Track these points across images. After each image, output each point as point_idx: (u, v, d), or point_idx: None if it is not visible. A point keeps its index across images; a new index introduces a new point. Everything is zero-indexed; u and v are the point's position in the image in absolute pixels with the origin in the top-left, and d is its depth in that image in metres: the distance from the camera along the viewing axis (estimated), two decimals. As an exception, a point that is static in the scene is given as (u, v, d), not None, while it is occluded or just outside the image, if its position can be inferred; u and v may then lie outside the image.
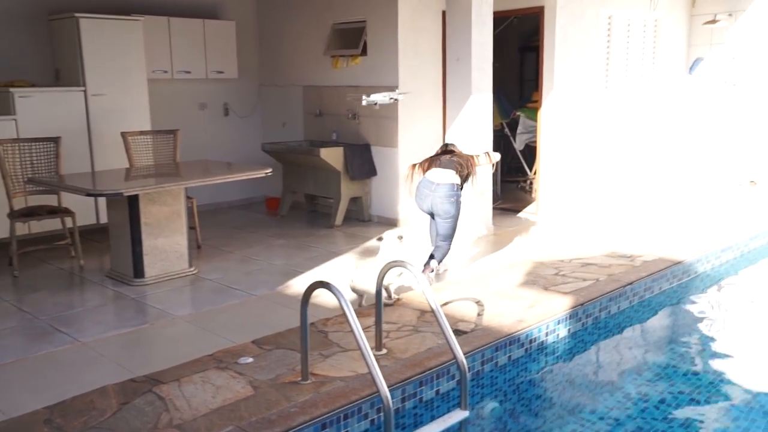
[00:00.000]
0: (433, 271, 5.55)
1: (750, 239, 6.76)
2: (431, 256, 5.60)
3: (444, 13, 7.14)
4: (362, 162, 7.51)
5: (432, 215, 5.63)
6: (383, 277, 3.87)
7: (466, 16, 6.52)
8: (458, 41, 6.64)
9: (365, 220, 7.70)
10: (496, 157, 6.05)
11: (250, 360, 3.84)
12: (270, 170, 6.19)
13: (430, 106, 7.56)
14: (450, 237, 5.61)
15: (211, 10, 8.38)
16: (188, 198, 6.17)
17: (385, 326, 4.23)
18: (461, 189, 5.58)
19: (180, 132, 7.04)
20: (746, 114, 9.40)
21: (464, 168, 5.56)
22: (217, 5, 8.46)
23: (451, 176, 5.47)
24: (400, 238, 5.13)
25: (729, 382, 4.20)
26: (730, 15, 9.32)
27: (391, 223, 7.48)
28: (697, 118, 9.83)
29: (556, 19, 7.48)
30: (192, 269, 5.85)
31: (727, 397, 4.02)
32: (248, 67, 8.78)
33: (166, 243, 5.68)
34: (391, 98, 6.72)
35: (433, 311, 3.51)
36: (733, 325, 5.32)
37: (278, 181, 8.09)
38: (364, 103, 6.62)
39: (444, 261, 5.71)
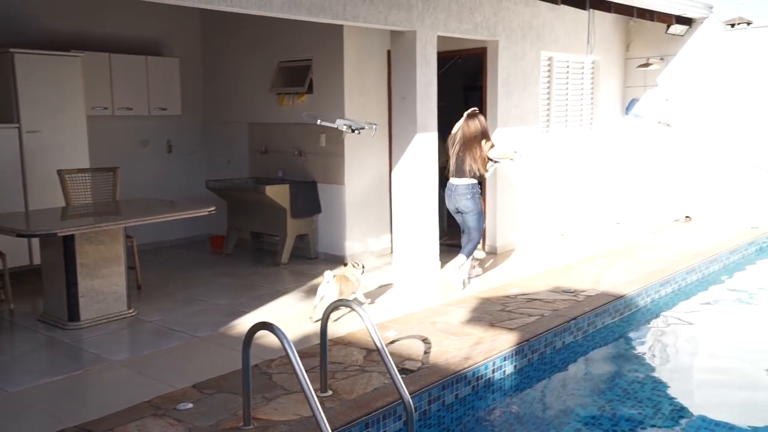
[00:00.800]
0: (463, 265, 6.41)
1: (686, 273, 6.97)
2: (464, 254, 6.46)
3: (389, 53, 7.24)
4: (308, 199, 7.47)
5: (458, 213, 6.61)
6: (327, 317, 3.81)
7: (410, 56, 6.62)
8: (403, 80, 6.73)
9: (312, 257, 7.62)
10: (506, 153, 6.75)
11: (190, 406, 3.70)
12: (214, 208, 6.07)
13: (376, 143, 7.60)
14: (478, 228, 6.56)
15: (153, 46, 8.30)
16: (128, 237, 5.99)
17: (331, 366, 4.15)
18: (478, 183, 6.57)
19: (120, 169, 6.86)
20: (680, 152, 9.80)
21: (475, 164, 6.46)
22: (161, 42, 8.39)
23: (465, 180, 6.47)
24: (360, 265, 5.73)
25: (671, 413, 4.25)
26: (661, 59, 9.76)
27: (338, 260, 7.42)
28: (634, 157, 10.19)
29: (498, 59, 7.68)
30: (131, 311, 5.64)
31: (670, 427, 4.07)
32: (192, 104, 8.69)
33: (103, 284, 5.47)
34: (352, 127, 6.62)
35: (378, 350, 3.47)
36: (672, 357, 5.42)
37: (223, 219, 7.95)
38: (318, 122, 6.60)
39: (475, 253, 6.70)
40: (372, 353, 4.49)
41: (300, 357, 3.10)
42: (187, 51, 8.66)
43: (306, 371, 3.05)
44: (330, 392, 3.85)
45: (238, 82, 8.42)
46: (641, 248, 8.03)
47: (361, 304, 5.06)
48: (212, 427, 3.45)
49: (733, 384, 4.72)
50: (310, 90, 7.56)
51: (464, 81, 10.98)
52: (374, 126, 6.74)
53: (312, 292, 6.26)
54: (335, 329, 5.04)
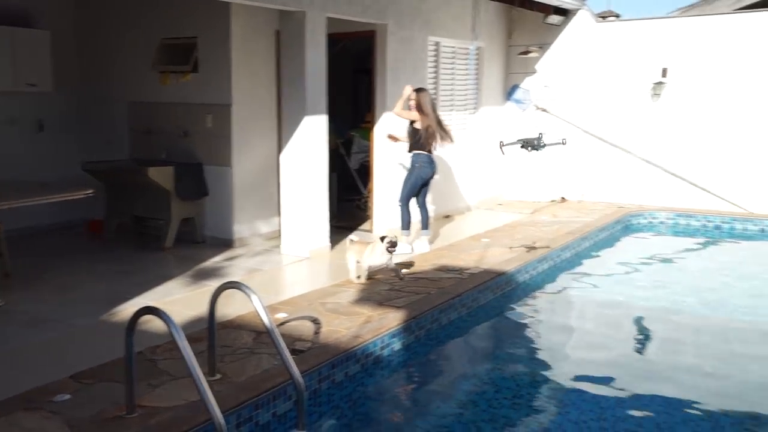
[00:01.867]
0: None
1: (561, 251, 7.41)
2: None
3: (278, 33, 7.14)
4: (193, 181, 7.26)
5: (426, 184, 7.24)
6: (216, 299, 3.75)
7: (299, 38, 6.57)
8: (293, 62, 6.67)
9: (198, 241, 7.43)
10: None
11: (67, 397, 3.53)
12: (91, 191, 5.77)
13: (265, 125, 7.49)
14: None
15: (21, 17, 7.69)
16: (-5, 222, 5.57)
17: (220, 350, 4.09)
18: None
19: (-16, 149, 6.35)
20: (557, 137, 10.35)
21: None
22: (29, 13, 7.78)
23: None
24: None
25: (547, 381, 4.54)
26: (540, 47, 10.25)
27: (226, 243, 7.28)
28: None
29: (387, 43, 7.77)
30: (-1, 301, 5.27)
31: (546, 396, 4.34)
32: (66, 80, 8.15)
33: (-34, 273, 5.07)
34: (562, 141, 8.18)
35: (268, 332, 3.46)
36: (548, 329, 5.77)
37: (102, 202, 7.56)
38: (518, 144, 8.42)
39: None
40: (262, 335, 4.47)
41: (187, 341, 3.04)
42: (60, 23, 8.09)
43: (194, 356, 2.99)
44: (219, 376, 3.80)
45: (117, 57, 7.99)
46: (521, 227, 8.44)
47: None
48: (93, 417, 3.31)
49: (601, 353, 5.10)
50: (195, 69, 7.31)
51: (354, 64, 11.02)
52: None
53: (199, 276, 6.12)
54: (224, 312, 4.97)
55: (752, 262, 7.91)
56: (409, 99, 7.03)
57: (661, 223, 9.38)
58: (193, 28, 7.27)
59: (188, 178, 7.20)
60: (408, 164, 7.23)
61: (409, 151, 7.17)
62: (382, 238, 5.94)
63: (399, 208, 7.28)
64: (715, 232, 9.00)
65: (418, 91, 7.04)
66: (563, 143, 9.50)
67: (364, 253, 5.97)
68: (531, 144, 9.39)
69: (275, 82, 7.44)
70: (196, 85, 7.28)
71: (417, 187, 7.22)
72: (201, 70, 7.27)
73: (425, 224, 7.35)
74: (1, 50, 7.33)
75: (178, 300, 5.42)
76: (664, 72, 9.46)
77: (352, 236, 6.27)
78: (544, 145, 9.48)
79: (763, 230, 8.79)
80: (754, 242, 8.60)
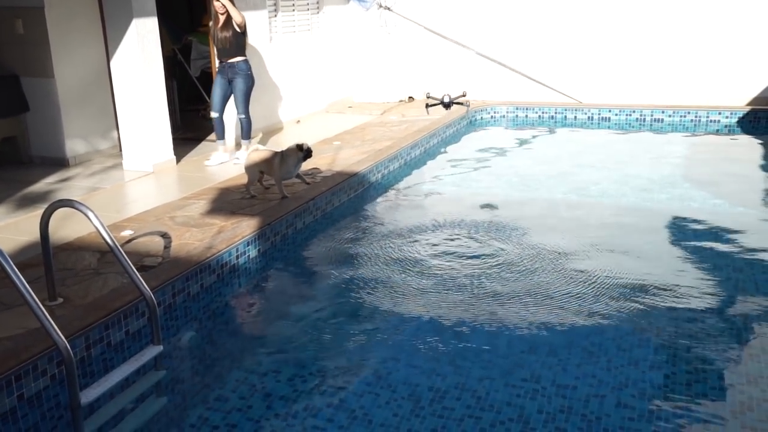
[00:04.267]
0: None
1: (411, 149, 7.59)
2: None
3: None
4: (8, 96, 6.50)
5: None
6: (47, 220, 3.47)
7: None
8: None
9: (25, 161, 6.77)
10: None
11: None
12: None
13: (88, 29, 6.79)
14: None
15: None
16: None
17: (61, 273, 3.85)
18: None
19: None
20: (401, 37, 10.36)
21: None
22: None
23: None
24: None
25: (401, 275, 4.73)
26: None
27: (59, 162, 6.70)
28: (360, 42, 10.54)
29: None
30: None
31: (401, 293, 4.53)
32: None
33: None
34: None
35: (111, 250, 3.27)
36: (402, 226, 5.96)
37: None
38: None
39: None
40: (107, 255, 4.24)
41: (21, 268, 2.81)
42: None
43: (29, 282, 2.77)
44: (60, 300, 3.57)
45: None
46: (371, 128, 8.50)
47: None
48: None
49: (453, 245, 5.36)
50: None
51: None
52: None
53: (29, 199, 5.63)
54: (63, 234, 4.64)
55: (581, 146, 8.56)
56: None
57: (502, 116, 9.84)
58: None
59: (2, 92, 6.44)
60: (243, 71, 6.81)
61: (242, 56, 6.83)
62: (299, 147, 5.53)
63: (243, 120, 6.99)
64: (550, 121, 9.60)
65: None
66: (467, 105, 9.64)
67: (273, 164, 5.50)
68: (446, 104, 9.62)
69: (94, -20, 6.71)
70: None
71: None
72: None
73: (249, 133, 7.07)
74: None
75: (6, 226, 4.97)
76: (500, -33, 9.63)
77: (257, 145, 5.89)
78: (451, 103, 9.66)
79: (590, 117, 9.50)
80: (585, 130, 9.30)
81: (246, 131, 6.99)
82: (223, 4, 6.59)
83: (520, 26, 9.85)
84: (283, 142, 7.82)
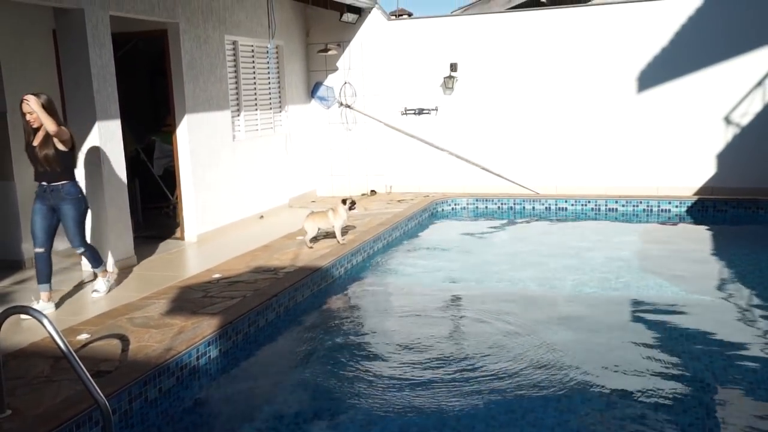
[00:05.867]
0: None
1: (373, 242, 7.67)
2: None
3: (55, 33, 6.56)
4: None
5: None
6: (0, 326, 3.37)
7: (80, 37, 6.09)
8: (75, 64, 6.17)
9: (-21, 265, 6.63)
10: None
11: None
12: None
13: (50, 133, 6.85)
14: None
15: None
16: None
17: (11, 383, 3.71)
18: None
19: None
20: (363, 133, 10.69)
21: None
22: None
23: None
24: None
25: (370, 373, 4.68)
26: (338, 45, 10.48)
27: (14, 266, 6.57)
28: (325, 138, 10.83)
29: (181, 42, 7.48)
30: None
31: (367, 385, 4.46)
32: None
33: None
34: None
35: (65, 356, 3.18)
36: (367, 319, 5.94)
37: None
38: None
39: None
40: (61, 361, 4.10)
41: (-36, 378, 2.71)
42: None
43: (-26, 393, 2.67)
44: (9, 412, 3.43)
45: None
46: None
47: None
48: None
49: (415, 337, 5.35)
50: (-43, 73, 6.49)
51: (150, 65, 10.48)
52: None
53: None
54: (16, 341, 4.50)
55: (539, 236, 8.76)
56: (31, 112, 5.09)
57: (463, 208, 10.06)
58: (-47, 27, 6.46)
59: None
60: (72, 195, 5.38)
61: (69, 179, 5.37)
62: (344, 201, 7.10)
63: (85, 253, 5.63)
64: (509, 212, 9.84)
65: (39, 95, 5.10)
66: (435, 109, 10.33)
67: (328, 217, 7.09)
68: (420, 111, 10.32)
69: (58, 86, 6.84)
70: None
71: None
72: (-35, 75, 6.48)
73: (98, 259, 5.74)
74: None
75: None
76: (453, 66, 10.12)
77: (311, 209, 7.41)
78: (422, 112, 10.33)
79: (548, 208, 9.77)
80: (543, 221, 9.54)
81: (94, 259, 5.66)
82: (32, 109, 5.05)
83: (474, 119, 10.26)
84: (246, 238, 7.85)
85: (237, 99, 8.76)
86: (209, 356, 4.61)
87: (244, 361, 4.88)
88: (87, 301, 5.65)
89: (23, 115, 5.15)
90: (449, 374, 4.47)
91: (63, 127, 5.22)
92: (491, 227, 9.22)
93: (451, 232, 9.11)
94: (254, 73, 9.16)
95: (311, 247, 7.06)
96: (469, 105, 10.26)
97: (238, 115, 8.83)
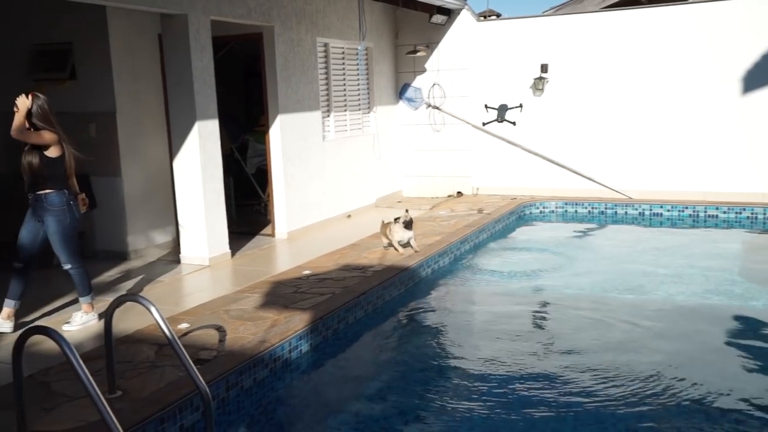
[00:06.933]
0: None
1: (460, 243, 7.63)
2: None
3: (161, 37, 6.90)
4: (80, 194, 6.80)
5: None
6: (112, 312, 3.59)
7: (183, 41, 6.39)
8: (178, 66, 6.48)
9: (89, 255, 7.05)
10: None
11: (-49, 430, 3.27)
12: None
13: (154, 131, 7.23)
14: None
15: None
16: None
17: (120, 366, 3.93)
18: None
19: None
20: (450, 134, 10.65)
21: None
22: None
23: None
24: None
25: (455, 370, 4.67)
26: (427, 46, 10.49)
27: (120, 256, 6.97)
28: (412, 139, 10.88)
29: (275, 45, 7.70)
30: None
31: (454, 387, 4.46)
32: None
33: None
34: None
35: (170, 343, 3.35)
36: (453, 321, 5.92)
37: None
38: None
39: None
40: (164, 348, 4.32)
41: (83, 360, 2.89)
42: None
43: (91, 374, 2.85)
44: (119, 393, 3.64)
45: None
46: (421, 223, 8.59)
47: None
48: (-18, 449, 3.09)
49: (504, 342, 5.29)
50: (73, 76, 6.94)
51: (244, 67, 10.85)
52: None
53: (93, 291, 5.81)
54: (123, 327, 4.76)
55: (632, 242, 8.45)
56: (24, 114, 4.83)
57: (552, 212, 9.85)
58: (67, 32, 6.91)
59: (73, 191, 6.77)
60: (55, 206, 4.88)
61: (53, 188, 4.88)
62: (396, 219, 7.02)
63: (72, 272, 5.02)
64: (600, 217, 9.55)
65: (35, 97, 4.88)
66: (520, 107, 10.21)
67: (385, 232, 7.20)
68: (501, 115, 10.26)
69: (162, 86, 7.20)
70: (75, 92, 6.92)
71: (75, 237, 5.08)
72: (80, 77, 6.92)
73: (87, 288, 5.07)
74: None
75: (70, 318, 5.12)
76: (544, 68, 9.93)
77: (393, 219, 7.14)
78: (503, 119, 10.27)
79: (641, 213, 9.42)
80: (636, 226, 9.21)
81: (81, 284, 5.02)
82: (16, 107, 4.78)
83: (565, 122, 10.02)
84: (334, 236, 7.99)
85: (327, 100, 8.94)
86: (300, 350, 4.73)
87: (333, 357, 4.97)
88: (187, 292, 5.91)
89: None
90: (540, 380, 4.39)
91: (46, 133, 4.81)
92: (581, 231, 8.98)
93: (539, 235, 8.93)
94: (344, 74, 9.31)
95: (386, 248, 7.18)
96: (560, 106, 10.03)
97: (328, 116, 9.00)
